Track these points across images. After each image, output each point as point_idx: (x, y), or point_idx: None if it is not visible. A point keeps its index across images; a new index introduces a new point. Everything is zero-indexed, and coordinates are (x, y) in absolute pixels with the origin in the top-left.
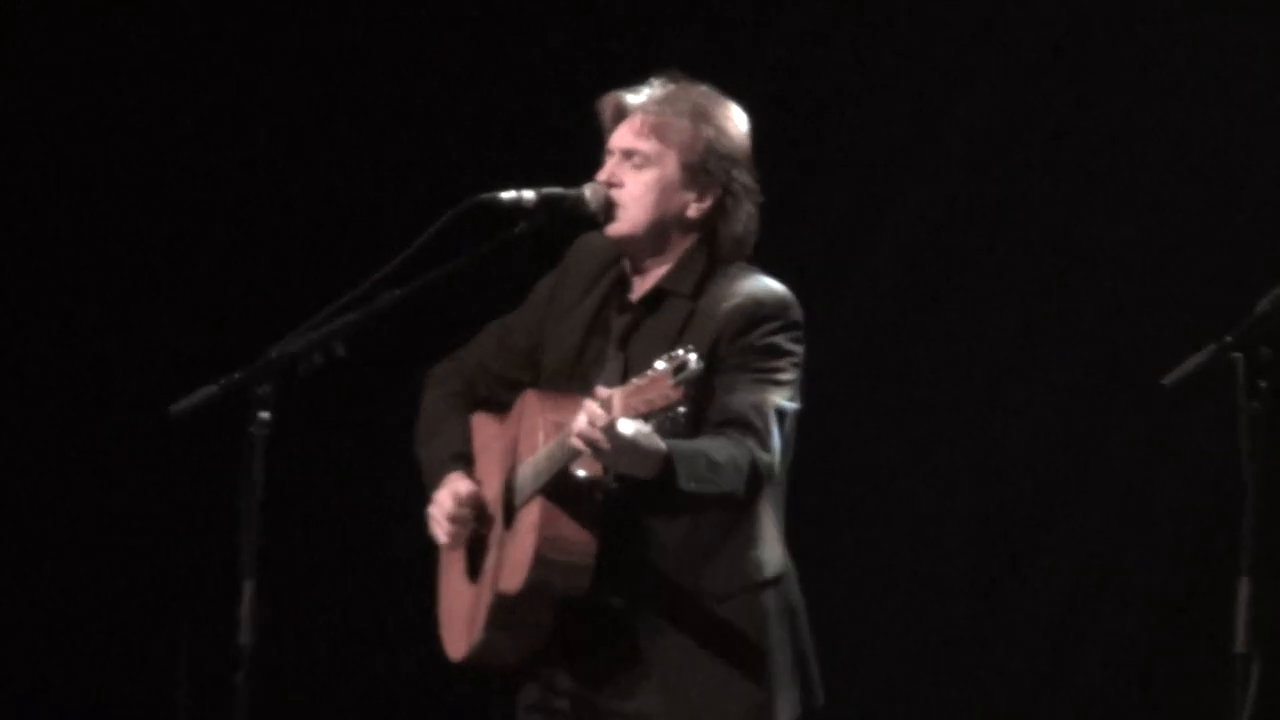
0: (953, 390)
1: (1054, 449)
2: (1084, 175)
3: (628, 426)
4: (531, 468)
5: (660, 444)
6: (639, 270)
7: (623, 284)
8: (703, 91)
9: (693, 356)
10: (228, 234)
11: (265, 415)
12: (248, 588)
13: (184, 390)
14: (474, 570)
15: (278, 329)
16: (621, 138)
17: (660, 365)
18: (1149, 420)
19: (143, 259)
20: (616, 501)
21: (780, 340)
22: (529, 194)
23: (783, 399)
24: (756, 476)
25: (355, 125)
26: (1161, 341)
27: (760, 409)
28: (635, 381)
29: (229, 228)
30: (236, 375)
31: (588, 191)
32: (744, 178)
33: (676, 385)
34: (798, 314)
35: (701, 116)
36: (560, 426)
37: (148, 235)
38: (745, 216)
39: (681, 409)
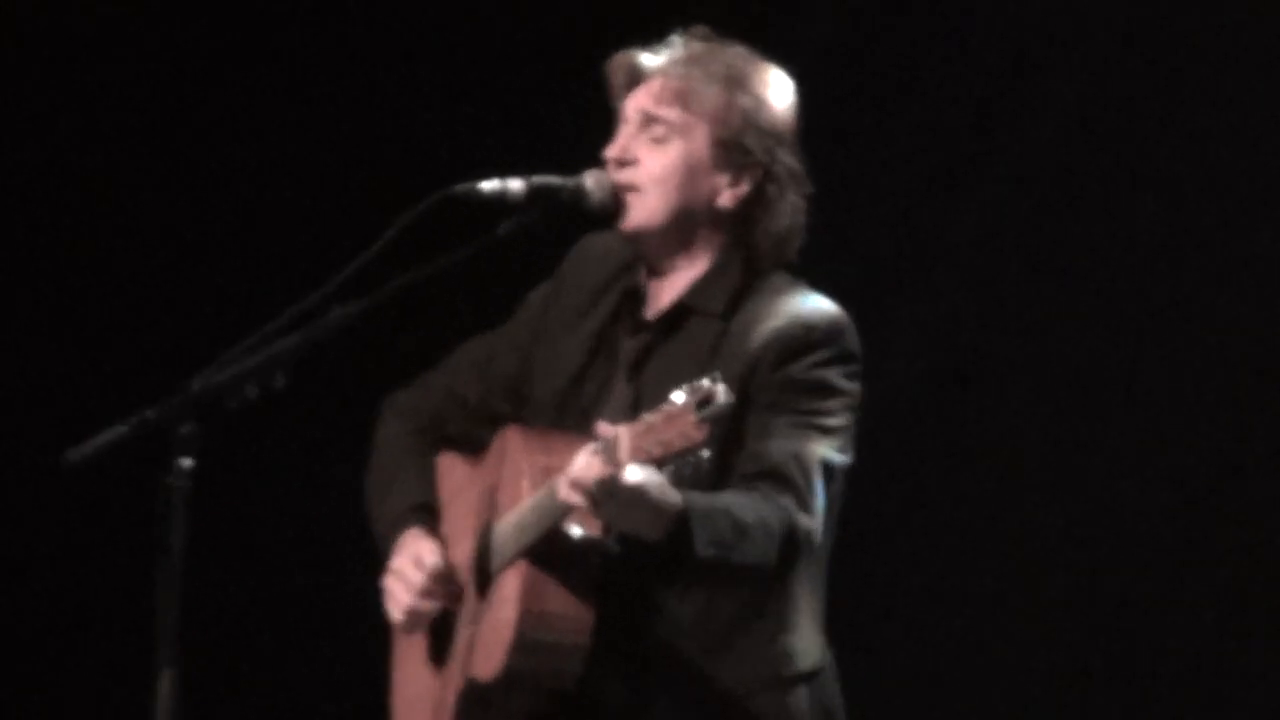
0: (1040, 437)
1: (1168, 508)
2: (1190, 182)
3: (636, 474)
4: (513, 524)
5: (675, 498)
6: (657, 276)
7: (635, 297)
8: (738, 53)
9: (721, 387)
10: (140, 238)
11: (187, 462)
12: (166, 676)
13: (84, 432)
14: (439, 651)
15: (202, 354)
16: (640, 100)
17: (679, 397)
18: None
19: (34, 267)
20: (617, 567)
21: (831, 375)
22: (516, 184)
23: (830, 449)
24: (793, 544)
25: (297, 99)
26: None
27: (802, 460)
28: (647, 418)
29: (142, 229)
30: (150, 413)
31: (589, 180)
32: (788, 160)
33: (700, 423)
34: (854, 343)
35: (737, 82)
36: (550, 472)
37: (40, 239)
38: (790, 209)
39: (705, 453)
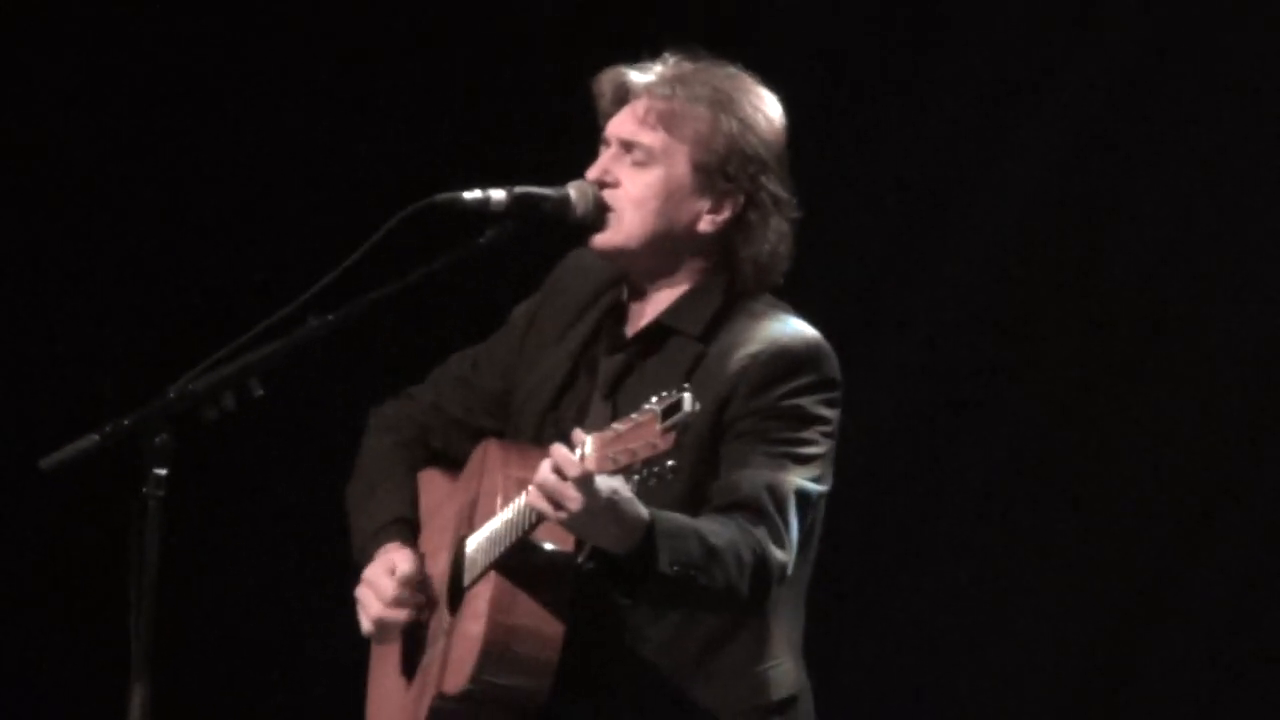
0: (1026, 465)
1: (1172, 532)
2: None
3: (602, 483)
4: (487, 536)
5: (641, 511)
6: (637, 296)
7: (617, 314)
8: (728, 74)
9: (688, 396)
10: (116, 244)
11: (161, 472)
12: (138, 692)
13: (59, 439)
14: (411, 665)
15: (178, 363)
16: (621, 125)
17: (649, 406)
18: None
19: (7, 273)
20: (591, 588)
21: (808, 403)
22: (499, 194)
23: (806, 479)
24: (765, 576)
25: (277, 105)
26: None
27: (777, 491)
28: (615, 426)
29: (117, 236)
30: (125, 421)
31: (574, 192)
32: (773, 186)
33: (666, 431)
34: (834, 369)
35: (724, 105)
36: (524, 485)
37: (14, 245)
38: (774, 236)
39: (670, 462)
